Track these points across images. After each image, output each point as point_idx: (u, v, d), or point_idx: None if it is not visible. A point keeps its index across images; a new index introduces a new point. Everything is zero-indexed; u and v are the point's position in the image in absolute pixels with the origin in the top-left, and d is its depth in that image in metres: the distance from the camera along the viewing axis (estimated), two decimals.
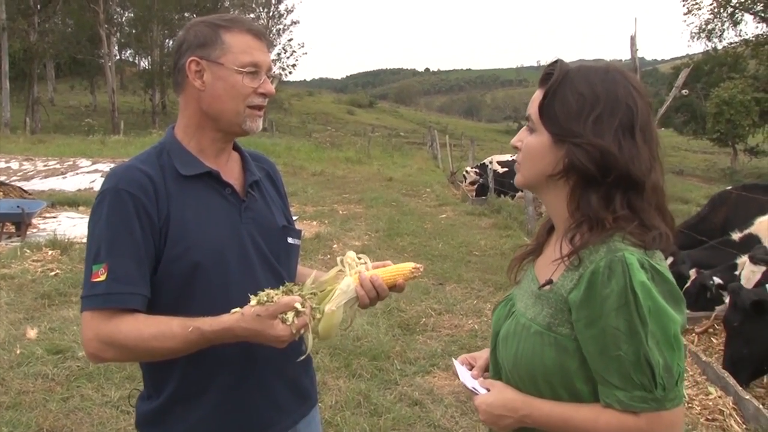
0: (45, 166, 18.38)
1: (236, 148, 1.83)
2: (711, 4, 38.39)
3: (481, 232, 10.66)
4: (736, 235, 5.98)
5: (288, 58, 55.85)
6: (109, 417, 4.05)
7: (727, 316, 4.63)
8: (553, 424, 1.35)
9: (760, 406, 4.04)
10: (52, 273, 7.21)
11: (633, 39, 9.21)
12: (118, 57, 54.67)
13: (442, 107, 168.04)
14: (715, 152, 41.97)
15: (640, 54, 9.50)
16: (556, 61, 1.41)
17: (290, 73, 59.56)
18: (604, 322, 1.26)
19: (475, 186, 16.38)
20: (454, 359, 1.66)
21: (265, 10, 56.09)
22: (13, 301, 6.23)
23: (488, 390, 1.46)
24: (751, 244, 5.65)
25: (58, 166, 18.27)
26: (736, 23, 38.75)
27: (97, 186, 13.04)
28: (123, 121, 37.79)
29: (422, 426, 4.08)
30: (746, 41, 38.16)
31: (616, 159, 1.31)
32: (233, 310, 1.50)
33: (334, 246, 9.19)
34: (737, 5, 37.88)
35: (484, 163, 17.10)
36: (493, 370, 1.54)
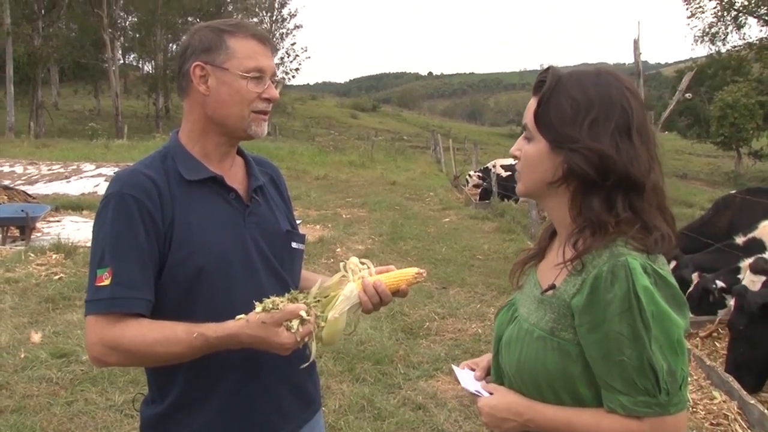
0: (49, 170, 18.43)
1: (240, 152, 1.83)
2: (714, 8, 38.37)
3: (485, 236, 10.66)
4: (740, 239, 5.96)
5: (291, 62, 56.13)
6: (113, 421, 4.05)
7: (732, 320, 4.61)
8: (557, 428, 1.35)
9: (765, 411, 4.02)
10: (56, 277, 7.23)
11: (636, 42, 9.22)
12: (121, 61, 54.77)
13: (445, 111, 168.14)
14: (719, 156, 41.83)
15: (643, 57, 9.50)
16: (548, 69, 1.41)
17: (293, 77, 59.77)
18: (607, 327, 1.26)
19: (479, 190, 16.39)
20: (454, 366, 1.67)
21: (269, 14, 56.37)
22: (18, 305, 6.24)
23: (491, 393, 1.46)
24: (755, 247, 5.62)
25: (62, 170, 18.32)
26: (739, 26, 38.71)
27: (101, 190, 13.08)
28: (127, 126, 37.88)
29: (426, 430, 4.07)
30: (750, 44, 38.10)
31: (614, 162, 1.31)
32: (238, 317, 1.50)
33: (338, 250, 9.20)
34: (741, 8, 37.84)
35: (487, 166, 17.13)
36: (496, 375, 1.53)
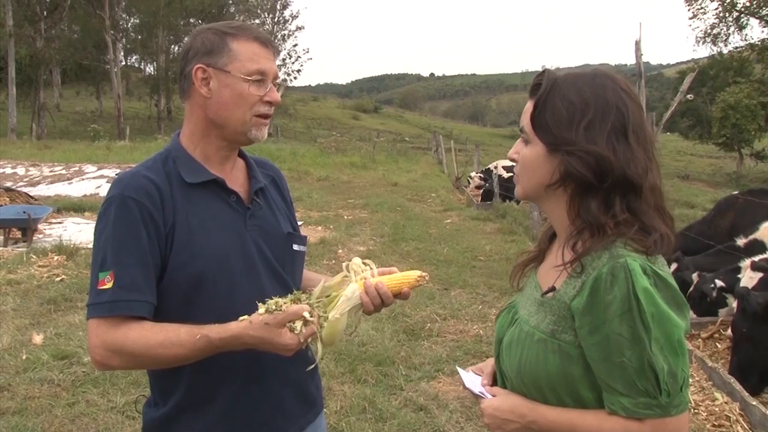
0: (51, 171, 18.46)
1: (241, 154, 1.84)
2: (716, 9, 38.40)
3: (486, 237, 10.66)
4: (741, 241, 5.96)
5: (293, 63, 56.05)
6: (115, 422, 4.05)
7: (735, 321, 4.61)
8: (559, 430, 1.35)
9: (767, 412, 4.02)
10: (58, 278, 7.24)
11: (638, 44, 9.21)
12: (123, 63, 54.81)
13: (447, 112, 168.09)
14: (721, 157, 41.83)
15: (645, 59, 9.48)
16: (543, 71, 1.41)
17: (295, 78, 59.64)
18: (607, 329, 1.26)
19: (480, 191, 16.40)
20: (459, 367, 1.66)
21: (270, 15, 56.33)
22: (19, 306, 6.25)
23: (494, 396, 1.46)
24: (756, 249, 5.62)
25: (63, 171, 18.35)
26: (741, 27, 38.71)
27: (103, 191, 13.11)
28: (128, 127, 37.90)
29: (427, 431, 4.08)
30: (752, 45, 38.10)
31: (611, 163, 1.30)
32: (241, 318, 1.50)
33: (339, 251, 9.20)
34: (743, 9, 37.84)
35: (488, 168, 17.16)
36: (497, 378, 1.54)
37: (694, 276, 5.82)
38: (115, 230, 1.56)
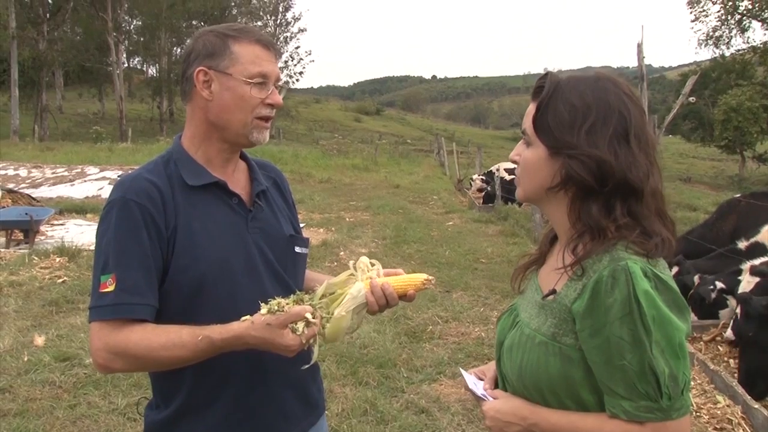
0: (53, 173, 18.49)
1: (243, 157, 1.83)
2: (718, 11, 38.42)
3: (488, 240, 10.66)
4: (742, 244, 5.95)
5: (295, 65, 56.07)
6: (116, 424, 4.05)
7: (740, 328, 4.58)
8: None
9: None
10: (60, 280, 7.24)
11: (640, 46, 9.19)
12: (126, 65, 54.81)
13: (449, 114, 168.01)
14: (723, 159, 41.77)
15: (647, 61, 9.47)
16: (546, 74, 1.41)
17: (297, 80, 59.70)
18: (608, 332, 1.25)
19: (482, 193, 16.39)
20: (462, 369, 1.66)
21: (273, 18, 56.37)
22: (21, 308, 6.26)
23: (496, 398, 1.46)
24: (757, 252, 5.61)
25: (66, 173, 18.38)
26: (743, 30, 38.73)
27: (105, 193, 13.12)
28: (131, 129, 38.01)
29: None
30: (754, 48, 38.11)
31: (612, 167, 1.30)
32: (243, 318, 1.50)
33: (341, 253, 9.20)
34: (745, 12, 37.84)
35: (491, 170, 17.14)
36: (498, 380, 1.54)
37: (696, 279, 5.81)
38: (117, 233, 1.56)
